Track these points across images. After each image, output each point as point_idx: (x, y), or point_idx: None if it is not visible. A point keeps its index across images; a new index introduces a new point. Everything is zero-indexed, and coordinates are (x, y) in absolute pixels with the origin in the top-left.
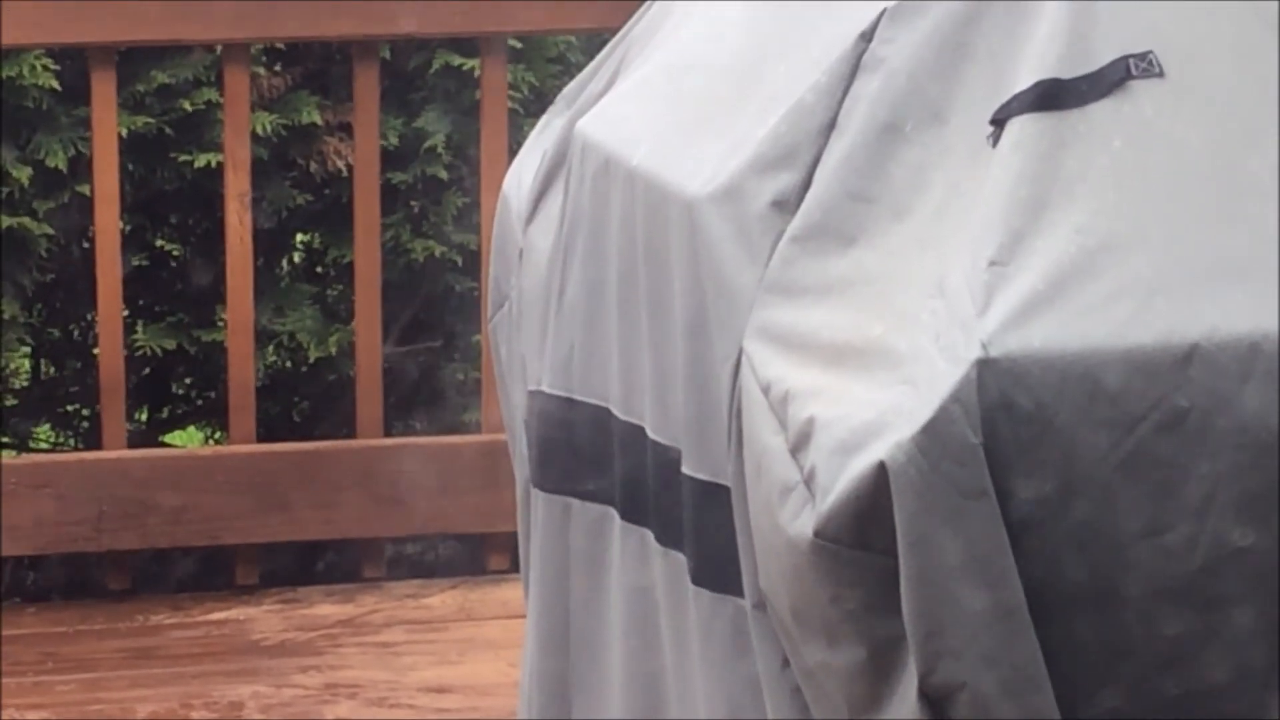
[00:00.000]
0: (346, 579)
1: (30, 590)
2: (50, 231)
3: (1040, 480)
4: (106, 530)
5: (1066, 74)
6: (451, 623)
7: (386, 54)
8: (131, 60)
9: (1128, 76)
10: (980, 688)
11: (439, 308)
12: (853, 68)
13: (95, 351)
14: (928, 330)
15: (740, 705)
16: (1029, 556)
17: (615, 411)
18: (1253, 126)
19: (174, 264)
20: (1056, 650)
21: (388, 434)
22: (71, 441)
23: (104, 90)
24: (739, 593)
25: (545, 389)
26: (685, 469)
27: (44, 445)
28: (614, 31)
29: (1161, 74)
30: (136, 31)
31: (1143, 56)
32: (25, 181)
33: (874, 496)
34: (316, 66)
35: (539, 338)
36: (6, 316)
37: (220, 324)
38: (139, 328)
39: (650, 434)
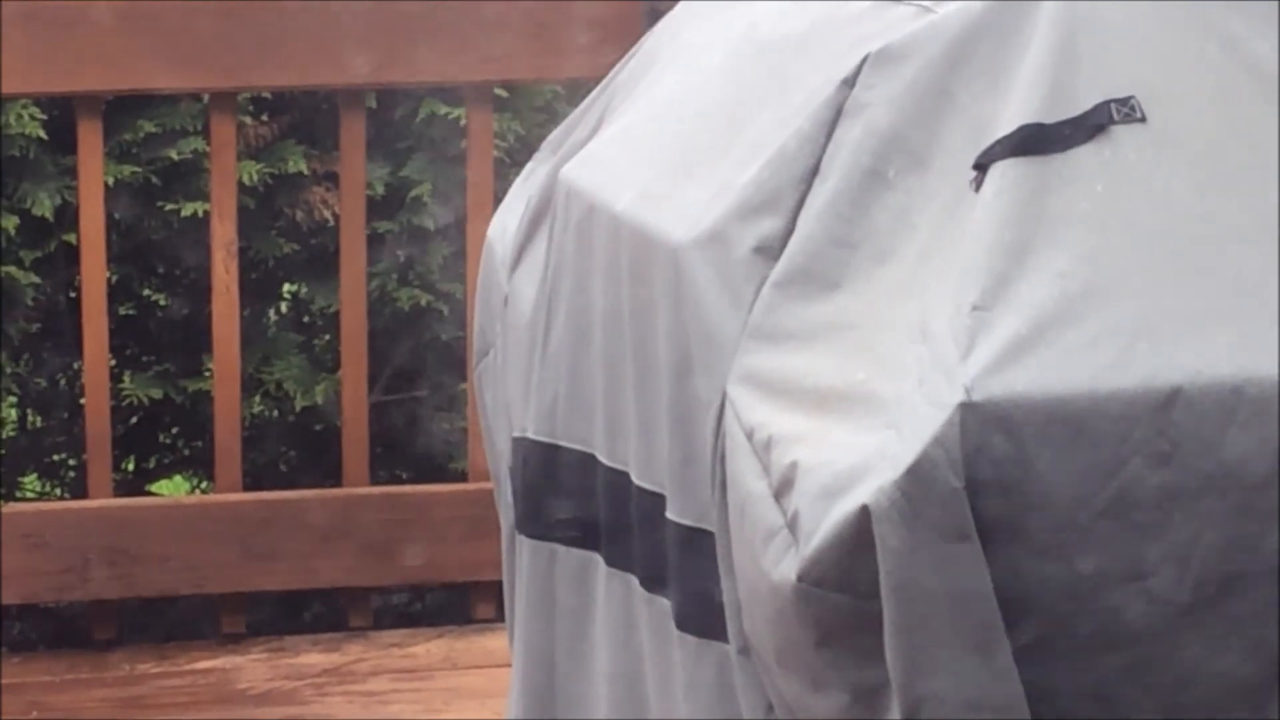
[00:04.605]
0: (332, 628)
1: (16, 640)
2: (36, 280)
3: (1023, 524)
4: (93, 579)
5: (1049, 119)
6: (437, 671)
7: (372, 103)
8: (118, 109)
9: (1110, 121)
10: None
11: (425, 356)
12: (835, 114)
13: (82, 401)
14: (911, 375)
15: None
16: (1012, 600)
17: (600, 457)
18: (1234, 171)
19: (160, 313)
20: (1045, 694)
21: (374, 483)
22: (58, 491)
23: (91, 139)
24: (723, 638)
25: (530, 435)
26: (670, 514)
27: (30, 495)
28: (599, 80)
29: (1143, 119)
30: (123, 81)
31: (1124, 101)
32: (11, 230)
33: (857, 540)
34: (303, 116)
35: (523, 384)
36: None
37: (207, 373)
38: (125, 377)
39: (635, 480)
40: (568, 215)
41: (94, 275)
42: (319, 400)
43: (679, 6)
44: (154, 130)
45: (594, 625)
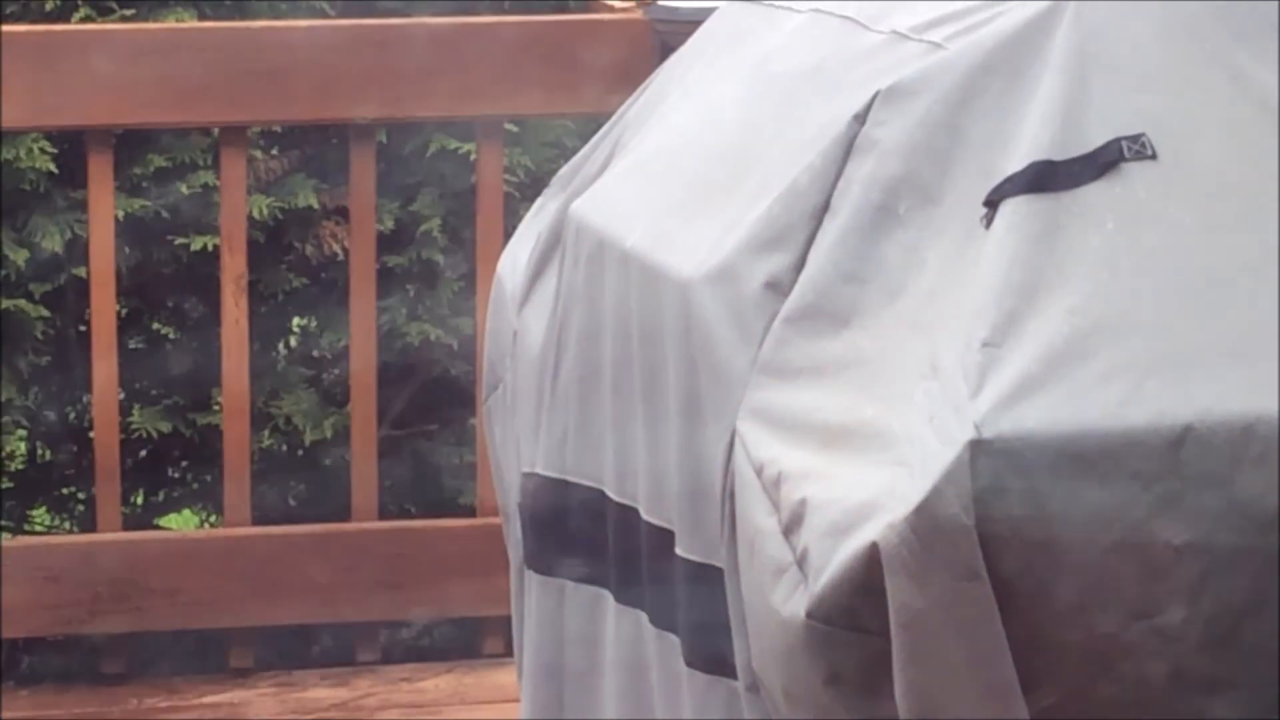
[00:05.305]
0: (341, 662)
1: (24, 673)
2: (46, 314)
3: (1033, 562)
4: (101, 613)
5: (1059, 156)
6: (446, 707)
7: (383, 138)
8: (128, 143)
9: (1120, 159)
10: None
11: (434, 391)
12: (846, 149)
13: (91, 434)
14: (921, 411)
15: None
16: (1022, 638)
17: (609, 493)
18: (1244, 208)
19: (170, 347)
20: None
21: (382, 517)
22: (67, 524)
23: (101, 173)
24: (732, 675)
25: (539, 471)
26: (679, 550)
27: (40, 528)
28: (610, 115)
29: (1154, 156)
30: (133, 115)
31: (1135, 139)
32: (21, 264)
33: (866, 578)
34: (313, 150)
35: (533, 420)
36: (2, 399)
37: (216, 407)
38: (135, 410)
39: (644, 515)
40: (578, 250)
41: (103, 309)
42: (328, 434)
43: (690, 42)
44: (164, 164)
45: (603, 661)
